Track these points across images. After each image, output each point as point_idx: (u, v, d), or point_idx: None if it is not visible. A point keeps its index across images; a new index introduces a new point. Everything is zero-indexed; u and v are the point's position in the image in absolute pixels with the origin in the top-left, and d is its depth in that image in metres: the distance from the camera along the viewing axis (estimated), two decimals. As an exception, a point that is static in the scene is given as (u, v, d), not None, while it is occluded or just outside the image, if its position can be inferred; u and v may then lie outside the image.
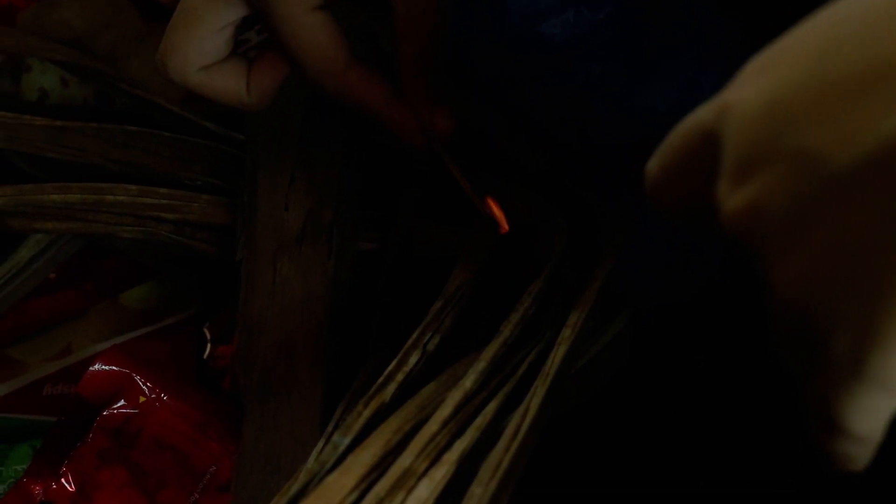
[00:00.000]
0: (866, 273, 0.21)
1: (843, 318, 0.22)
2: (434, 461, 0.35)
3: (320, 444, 0.39)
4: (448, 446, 0.36)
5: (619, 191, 0.45)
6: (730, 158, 0.24)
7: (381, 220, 0.48)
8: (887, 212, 0.21)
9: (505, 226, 0.46)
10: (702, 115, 0.26)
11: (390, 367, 0.40)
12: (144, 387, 0.45)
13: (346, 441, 0.37)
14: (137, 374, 0.45)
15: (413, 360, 0.40)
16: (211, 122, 0.50)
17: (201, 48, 0.41)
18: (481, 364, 0.39)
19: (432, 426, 0.36)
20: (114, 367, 0.45)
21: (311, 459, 0.37)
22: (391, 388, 0.39)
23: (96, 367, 0.45)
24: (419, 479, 0.35)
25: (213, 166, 0.49)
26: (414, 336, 0.41)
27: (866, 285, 0.21)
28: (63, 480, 0.43)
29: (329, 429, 0.41)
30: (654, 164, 0.28)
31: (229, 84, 0.42)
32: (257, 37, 0.57)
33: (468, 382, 0.38)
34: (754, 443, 0.41)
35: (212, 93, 0.42)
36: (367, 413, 0.38)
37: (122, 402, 0.44)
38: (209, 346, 0.50)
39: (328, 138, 0.48)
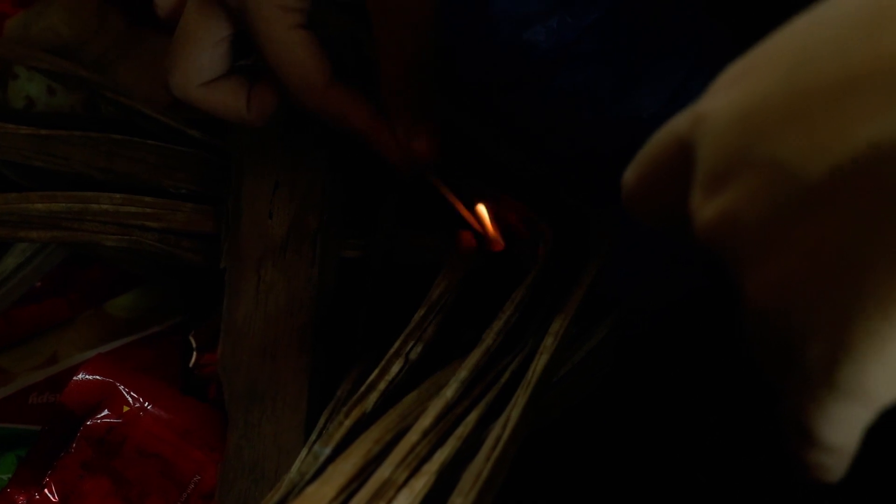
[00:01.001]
0: (839, 283, 0.21)
1: (816, 328, 0.22)
2: (414, 471, 0.35)
3: (302, 453, 0.39)
4: (429, 456, 0.36)
5: (605, 197, 0.45)
6: (703, 169, 0.24)
7: (366, 227, 0.48)
8: (859, 223, 0.21)
9: (501, 243, 0.46)
10: (677, 124, 0.26)
11: (372, 376, 0.40)
12: (128, 396, 0.44)
13: (327, 451, 0.37)
14: (121, 384, 0.45)
15: (395, 368, 0.40)
16: (195, 130, 0.50)
17: (199, 64, 0.42)
18: (463, 373, 0.39)
19: (413, 436, 0.36)
20: (97, 377, 0.44)
21: (293, 469, 0.37)
22: (373, 398, 0.39)
23: (80, 376, 0.44)
24: (399, 489, 0.34)
25: (197, 174, 0.49)
26: (396, 345, 0.41)
27: (839, 296, 0.21)
28: (46, 491, 0.43)
29: (312, 438, 0.41)
30: (629, 174, 0.28)
31: (229, 100, 0.43)
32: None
33: (449, 391, 0.38)
34: (742, 454, 0.41)
35: (213, 108, 0.43)
36: (348, 423, 0.38)
37: (105, 412, 0.44)
38: (195, 354, 0.49)
39: (312, 145, 0.48)
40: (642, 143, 0.28)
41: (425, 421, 0.37)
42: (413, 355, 0.41)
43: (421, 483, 0.35)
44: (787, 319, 0.23)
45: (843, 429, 0.24)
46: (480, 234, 0.46)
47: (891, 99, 0.20)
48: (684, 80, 0.46)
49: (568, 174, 0.47)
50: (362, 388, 0.39)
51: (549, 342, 0.39)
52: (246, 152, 0.47)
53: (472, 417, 0.37)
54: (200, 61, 0.42)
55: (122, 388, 0.45)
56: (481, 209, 0.45)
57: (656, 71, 0.46)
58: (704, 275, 0.44)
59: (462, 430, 0.37)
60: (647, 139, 0.28)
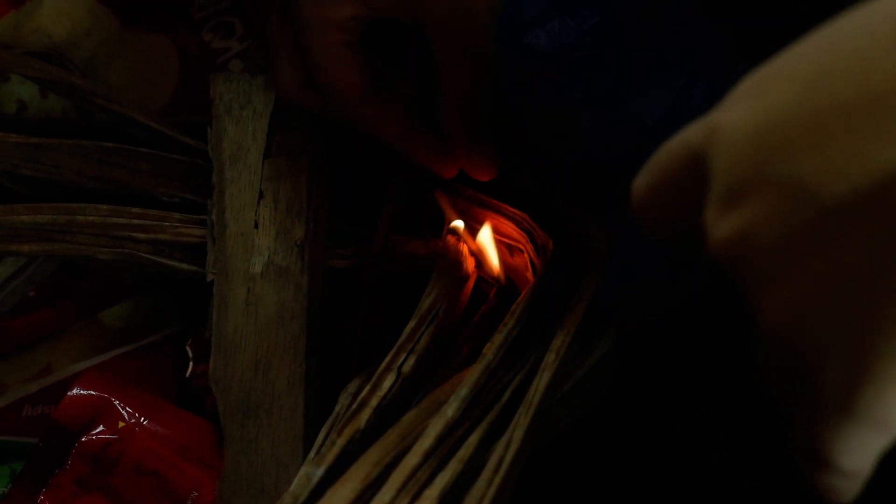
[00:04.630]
0: (857, 307, 0.21)
1: (833, 352, 0.22)
2: (415, 497, 0.34)
3: (300, 474, 0.38)
4: (430, 481, 0.35)
5: (606, 204, 0.44)
6: (718, 184, 0.24)
7: (355, 235, 0.48)
8: (879, 246, 0.20)
9: (503, 279, 0.45)
10: (690, 135, 0.25)
11: (364, 392, 0.39)
12: (123, 411, 0.44)
13: (320, 472, 0.36)
14: (116, 399, 0.44)
15: (388, 383, 0.40)
16: (188, 137, 0.49)
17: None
18: (464, 390, 0.38)
19: (413, 458, 0.36)
20: (91, 392, 0.44)
21: (288, 494, 0.36)
22: (365, 414, 0.39)
23: (74, 391, 0.44)
24: (401, 517, 0.34)
25: (190, 182, 0.49)
26: (387, 359, 0.40)
27: (857, 320, 0.21)
28: (41, 508, 0.42)
29: (311, 455, 0.41)
30: (641, 183, 0.28)
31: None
32: (238, 45, 0.56)
33: (450, 410, 0.38)
34: (748, 469, 0.40)
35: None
36: (340, 441, 0.38)
37: (100, 428, 0.43)
38: (191, 364, 0.49)
39: (295, 152, 0.47)
40: (644, 150, 0.28)
41: (426, 442, 0.37)
42: (406, 369, 0.40)
43: (422, 509, 0.34)
44: (803, 342, 0.22)
45: (858, 454, 0.24)
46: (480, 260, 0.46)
47: None
48: (685, 85, 0.45)
49: (568, 180, 0.46)
50: (354, 406, 0.39)
51: (550, 359, 0.39)
52: (227, 161, 0.47)
53: (474, 438, 0.37)
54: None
55: (116, 403, 0.44)
56: (486, 238, 0.45)
57: (656, 76, 0.45)
58: (708, 281, 0.43)
59: (464, 452, 0.36)
60: (649, 147, 0.27)
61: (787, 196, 0.22)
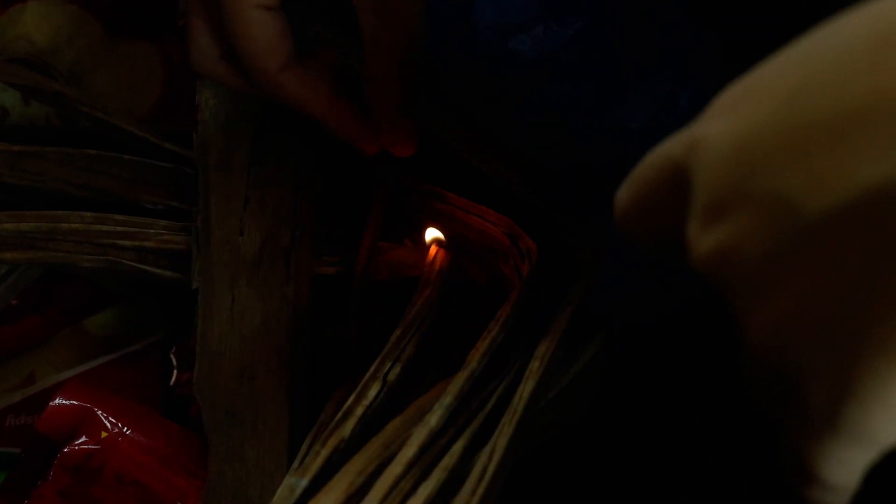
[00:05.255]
0: (841, 324, 0.21)
1: (818, 369, 0.22)
2: (398, 507, 0.34)
3: (283, 485, 0.38)
4: (413, 490, 0.35)
5: (593, 210, 0.44)
6: (700, 198, 0.24)
7: (342, 242, 0.47)
8: (862, 263, 0.20)
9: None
10: (671, 147, 0.25)
11: (349, 402, 0.39)
12: (106, 421, 0.43)
13: (304, 483, 0.36)
14: (99, 408, 0.43)
15: (373, 392, 0.39)
16: (172, 144, 0.49)
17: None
18: (447, 398, 0.38)
19: (396, 468, 0.35)
20: (74, 402, 0.43)
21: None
22: (350, 424, 0.38)
23: (56, 401, 0.43)
24: (384, 527, 0.34)
25: (174, 189, 0.48)
26: (373, 367, 0.40)
27: (841, 336, 0.21)
28: (23, 520, 0.42)
29: (295, 465, 0.40)
30: (622, 195, 0.28)
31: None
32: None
33: (434, 419, 0.37)
34: (740, 479, 0.40)
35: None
36: (325, 452, 0.37)
37: (83, 438, 0.43)
38: (176, 372, 0.49)
39: (281, 158, 0.47)
40: (631, 156, 0.27)
41: (409, 451, 0.36)
42: (391, 377, 0.40)
43: (405, 519, 0.34)
44: (788, 359, 0.22)
45: (844, 470, 0.23)
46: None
47: (894, 137, 0.19)
48: (671, 90, 0.44)
49: (554, 186, 0.46)
50: (338, 415, 0.38)
51: (535, 366, 0.39)
52: (213, 168, 0.46)
53: (458, 447, 0.36)
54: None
55: (99, 413, 0.44)
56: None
57: (643, 81, 0.45)
58: (697, 288, 0.43)
59: (447, 460, 0.36)
60: (635, 152, 0.27)
61: (770, 211, 0.21)
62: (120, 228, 0.46)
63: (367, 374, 0.40)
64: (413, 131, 0.43)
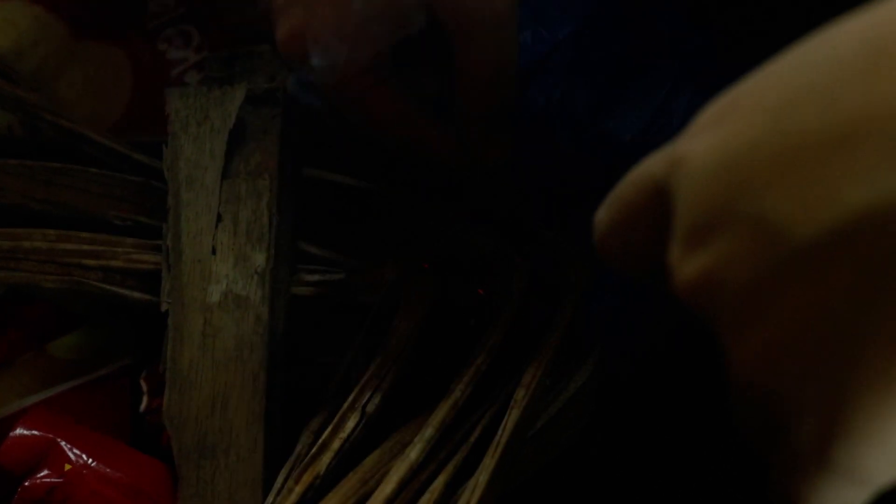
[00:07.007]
0: (829, 355, 0.20)
1: (806, 402, 0.21)
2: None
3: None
4: (391, 531, 0.33)
5: (583, 228, 0.42)
6: (682, 220, 0.23)
7: (320, 261, 0.45)
8: (853, 290, 0.19)
9: None
10: (652, 166, 0.24)
11: (325, 434, 0.37)
12: (70, 453, 0.41)
13: (277, 524, 0.34)
14: (62, 439, 0.41)
15: (351, 424, 0.37)
16: (142, 155, 0.46)
17: None
18: (428, 431, 0.36)
19: (374, 506, 0.33)
20: (35, 432, 0.41)
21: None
22: (327, 458, 0.37)
23: (17, 432, 0.41)
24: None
25: (144, 204, 0.46)
26: (351, 397, 0.38)
27: (830, 369, 0.20)
28: (-20, 559, 0.40)
29: (270, 500, 0.39)
30: (602, 217, 0.26)
31: None
32: (195, 56, 0.53)
33: (413, 452, 0.36)
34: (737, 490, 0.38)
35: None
36: (299, 489, 0.36)
37: (45, 472, 0.41)
38: (146, 398, 0.46)
39: (255, 172, 0.45)
40: (622, 166, 0.26)
41: (387, 487, 0.35)
42: (370, 408, 0.38)
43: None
44: (775, 392, 0.21)
45: None
46: None
47: (885, 157, 0.19)
48: (666, 97, 0.43)
49: (543, 202, 0.44)
50: (314, 449, 0.36)
51: (520, 395, 0.37)
52: (184, 183, 0.44)
53: (439, 482, 0.35)
54: None
55: (63, 443, 0.41)
56: None
57: (636, 87, 0.43)
58: (688, 315, 0.41)
59: (428, 497, 0.34)
60: (627, 162, 0.26)
61: (755, 236, 0.21)
62: (85, 247, 0.44)
63: (345, 405, 0.38)
64: (508, 146, 0.44)
